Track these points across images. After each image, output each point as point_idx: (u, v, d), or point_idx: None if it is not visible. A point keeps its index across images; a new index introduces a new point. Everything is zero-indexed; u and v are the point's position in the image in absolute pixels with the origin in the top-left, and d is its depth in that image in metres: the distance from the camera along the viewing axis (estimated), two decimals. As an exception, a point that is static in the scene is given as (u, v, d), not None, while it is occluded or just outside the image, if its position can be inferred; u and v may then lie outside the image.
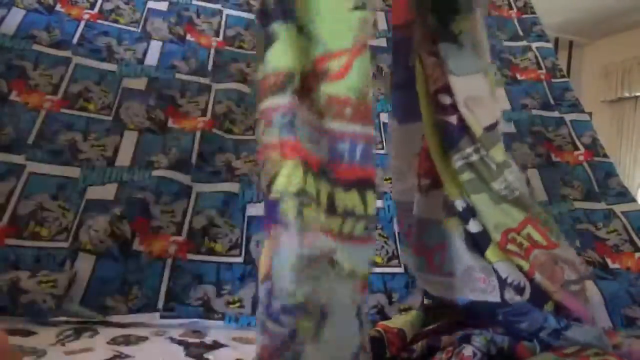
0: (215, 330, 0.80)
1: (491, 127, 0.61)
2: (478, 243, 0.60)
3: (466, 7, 0.58)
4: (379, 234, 1.02)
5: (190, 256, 0.94)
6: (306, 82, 0.41)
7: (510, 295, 0.58)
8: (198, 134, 1.13)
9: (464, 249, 0.60)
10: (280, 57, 0.42)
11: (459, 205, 0.61)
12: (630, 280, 0.97)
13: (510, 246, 0.60)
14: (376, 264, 0.97)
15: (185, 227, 0.98)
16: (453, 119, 0.60)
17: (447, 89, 0.60)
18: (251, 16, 1.41)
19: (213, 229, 0.99)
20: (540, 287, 0.59)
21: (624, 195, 1.18)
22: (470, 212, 0.60)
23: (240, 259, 0.96)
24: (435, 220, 0.64)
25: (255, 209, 1.04)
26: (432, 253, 0.64)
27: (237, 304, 0.89)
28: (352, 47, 0.43)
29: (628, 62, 3.54)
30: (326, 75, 0.42)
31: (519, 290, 0.58)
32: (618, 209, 1.13)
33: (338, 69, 0.42)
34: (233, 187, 1.07)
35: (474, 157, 0.60)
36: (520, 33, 1.56)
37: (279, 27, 0.41)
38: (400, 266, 0.97)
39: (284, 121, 0.39)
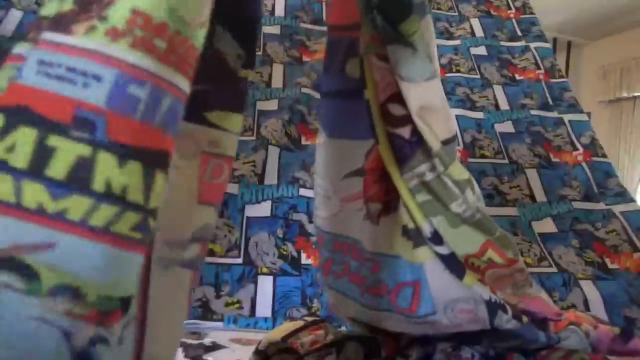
0: (214, 332, 0.80)
1: (449, 142, 0.54)
2: (456, 266, 0.53)
3: (419, 9, 0.50)
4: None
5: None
6: None
7: (499, 322, 0.53)
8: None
9: (449, 279, 0.53)
10: None
11: (427, 229, 0.53)
12: (629, 280, 0.97)
13: (472, 273, 0.55)
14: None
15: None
16: (405, 132, 0.52)
17: (399, 98, 0.51)
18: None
19: (212, 230, 0.99)
20: (508, 303, 0.55)
21: (623, 195, 1.18)
22: (439, 236, 0.53)
23: (239, 260, 0.96)
24: (392, 255, 0.55)
25: (255, 210, 1.04)
26: (395, 292, 0.55)
27: (236, 305, 0.89)
28: None
29: (626, 62, 3.55)
30: None
31: (504, 308, 0.54)
32: (617, 209, 1.14)
33: None
34: (232, 188, 1.07)
35: (429, 176, 0.52)
36: (519, 33, 1.57)
37: None
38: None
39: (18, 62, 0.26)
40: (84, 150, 0.26)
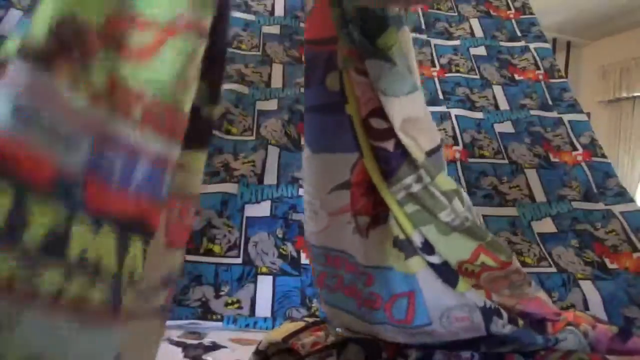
0: (214, 332, 0.80)
1: (433, 152, 0.54)
2: (448, 275, 0.53)
3: (395, 22, 0.49)
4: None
5: (189, 257, 0.94)
6: (84, 39, 0.26)
7: (495, 327, 0.53)
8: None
9: (442, 288, 0.52)
10: None
11: (417, 240, 0.53)
12: (628, 280, 0.98)
13: (465, 279, 0.54)
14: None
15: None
16: (389, 145, 0.51)
17: (381, 112, 0.51)
18: (250, 17, 1.41)
19: (211, 230, 0.99)
20: (504, 306, 0.55)
21: (623, 195, 1.18)
22: (429, 245, 0.53)
23: (239, 260, 0.96)
24: (385, 267, 0.55)
25: (254, 210, 1.04)
26: (390, 303, 0.55)
27: (236, 305, 0.89)
28: (169, 23, 0.27)
29: (626, 62, 3.55)
30: (120, 45, 0.27)
31: (499, 313, 0.53)
32: (616, 209, 1.14)
33: (141, 45, 0.27)
34: (231, 187, 1.07)
35: (416, 187, 0.52)
36: (519, 34, 1.57)
37: None
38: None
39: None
40: (60, 216, 0.24)
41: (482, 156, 1.26)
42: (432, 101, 1.36)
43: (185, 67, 0.29)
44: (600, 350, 0.58)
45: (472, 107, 1.37)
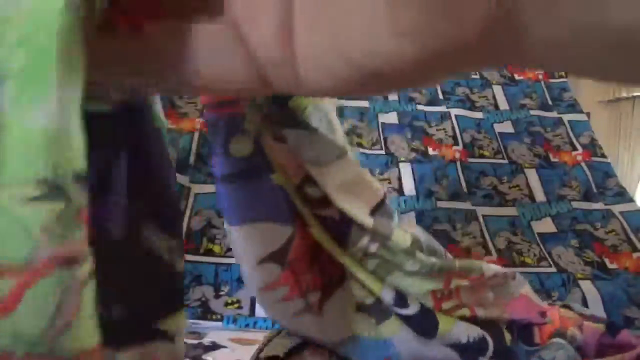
0: (214, 332, 0.80)
1: (379, 206, 0.50)
2: (427, 325, 0.50)
3: None
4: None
5: (189, 257, 0.94)
6: None
7: None
8: (196, 135, 1.12)
9: (422, 345, 0.50)
10: None
11: (388, 296, 0.49)
12: (628, 280, 0.98)
13: (444, 304, 0.51)
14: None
15: (184, 228, 0.98)
16: (332, 212, 0.47)
17: (313, 180, 0.46)
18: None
19: (211, 229, 0.99)
20: (492, 320, 0.53)
21: (622, 195, 1.18)
22: (402, 296, 0.49)
23: (238, 260, 0.96)
24: (351, 338, 0.50)
25: (254, 210, 1.04)
26: None
27: (236, 305, 0.89)
28: (27, 265, 0.20)
29: (626, 62, 3.55)
30: None
31: (484, 344, 0.51)
32: (616, 209, 1.14)
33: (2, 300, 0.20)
34: (231, 187, 1.06)
35: (373, 248, 0.48)
36: (518, 33, 1.57)
37: None
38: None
39: None
40: None
41: (481, 156, 1.26)
42: (432, 101, 1.36)
43: (60, 306, 0.24)
44: (589, 353, 0.57)
45: (472, 107, 1.37)
